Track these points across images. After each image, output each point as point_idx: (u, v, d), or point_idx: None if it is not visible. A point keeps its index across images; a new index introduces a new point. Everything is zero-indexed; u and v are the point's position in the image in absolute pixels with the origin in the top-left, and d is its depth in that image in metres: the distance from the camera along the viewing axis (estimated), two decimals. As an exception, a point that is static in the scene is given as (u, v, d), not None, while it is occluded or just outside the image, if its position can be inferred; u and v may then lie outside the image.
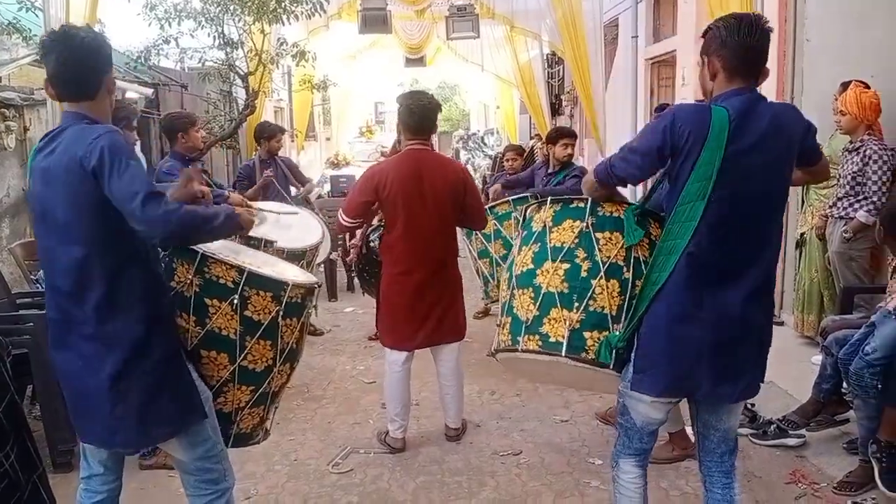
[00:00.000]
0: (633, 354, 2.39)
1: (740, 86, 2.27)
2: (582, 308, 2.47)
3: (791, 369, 4.48)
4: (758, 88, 2.32)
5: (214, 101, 9.36)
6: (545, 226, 2.62)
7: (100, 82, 2.25)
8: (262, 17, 7.40)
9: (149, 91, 8.65)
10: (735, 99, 2.24)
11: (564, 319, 2.48)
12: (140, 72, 8.37)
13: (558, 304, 2.50)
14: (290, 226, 5.08)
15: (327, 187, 10.04)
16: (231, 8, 7.39)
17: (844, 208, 4.57)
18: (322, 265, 6.79)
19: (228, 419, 2.56)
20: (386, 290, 3.92)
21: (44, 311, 2.45)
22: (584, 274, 2.48)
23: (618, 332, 2.42)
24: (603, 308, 2.46)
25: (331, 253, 6.66)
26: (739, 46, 2.24)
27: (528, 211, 2.79)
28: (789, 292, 5.37)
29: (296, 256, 4.96)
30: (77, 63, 2.20)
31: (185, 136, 4.81)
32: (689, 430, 3.53)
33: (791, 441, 3.79)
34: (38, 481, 2.70)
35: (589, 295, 2.46)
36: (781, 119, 2.28)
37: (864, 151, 4.47)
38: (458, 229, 4.05)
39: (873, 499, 3.23)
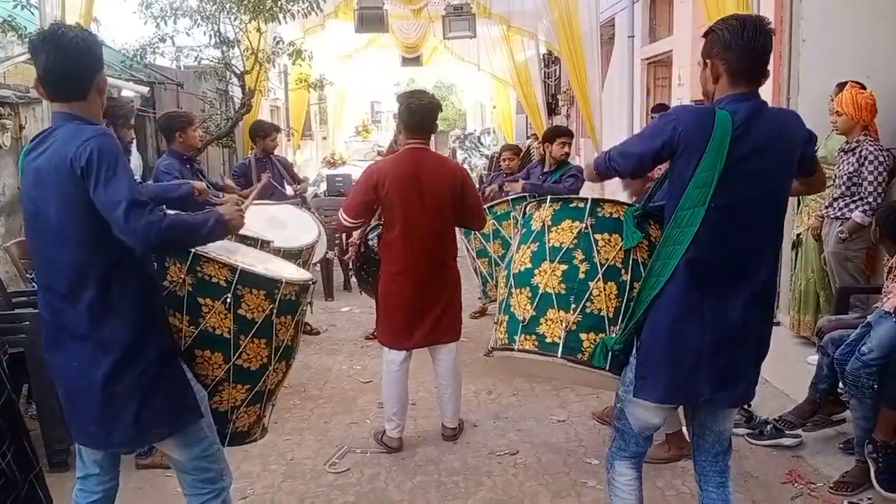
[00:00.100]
0: (632, 359, 2.39)
1: (744, 90, 2.25)
2: (579, 310, 2.46)
3: (787, 369, 4.49)
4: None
5: (211, 100, 9.35)
6: (544, 225, 2.61)
7: (90, 82, 2.23)
8: (258, 16, 7.39)
9: (145, 90, 8.63)
10: (739, 104, 2.22)
11: (561, 320, 2.48)
12: (136, 70, 8.35)
13: (555, 305, 2.50)
14: (286, 225, 5.07)
15: (323, 186, 10.02)
16: (227, 6, 7.38)
17: (840, 209, 4.58)
18: (318, 264, 6.78)
19: (225, 418, 2.55)
20: (384, 289, 3.92)
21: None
22: (581, 276, 2.48)
23: (614, 335, 2.42)
24: (600, 310, 2.45)
25: (327, 252, 6.65)
26: (743, 49, 2.21)
27: (528, 208, 2.78)
28: (785, 292, 5.38)
29: (292, 255, 4.94)
30: (67, 63, 2.17)
31: (183, 135, 4.82)
32: (685, 431, 3.53)
33: (787, 441, 3.80)
34: (34, 481, 2.70)
35: (586, 297, 2.46)
36: (784, 126, 2.28)
37: (860, 152, 4.48)
38: (456, 229, 4.05)
39: (869, 499, 3.24)
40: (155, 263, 2.38)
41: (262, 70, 8.19)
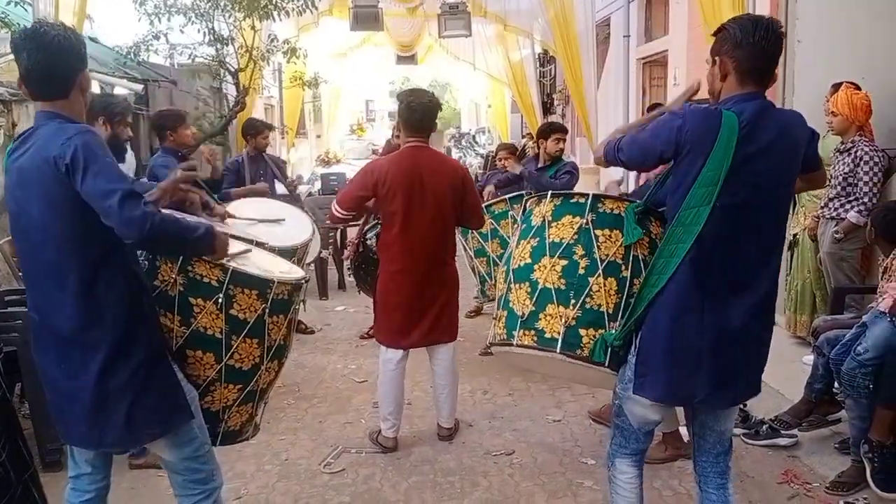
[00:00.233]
0: (631, 357, 2.38)
1: (751, 90, 2.24)
2: (578, 305, 2.46)
3: (783, 369, 4.49)
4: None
5: (205, 98, 9.32)
6: (544, 220, 2.60)
7: (73, 81, 2.20)
8: (252, 14, 7.38)
9: (138, 87, 8.58)
10: (746, 104, 2.21)
11: (560, 316, 2.47)
12: (130, 68, 8.31)
13: (555, 301, 2.49)
14: (285, 220, 5.05)
15: (318, 185, 10.00)
16: (221, 4, 7.36)
17: (835, 209, 4.59)
18: (312, 264, 6.76)
19: (216, 417, 2.54)
20: (383, 287, 3.90)
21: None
22: (581, 271, 2.47)
23: (614, 331, 2.42)
24: (600, 306, 2.45)
25: (321, 251, 6.63)
26: (753, 49, 2.21)
27: (528, 203, 2.78)
28: (781, 293, 5.37)
29: (285, 254, 4.92)
30: (49, 62, 2.15)
31: (175, 133, 4.79)
32: (683, 430, 3.53)
33: (783, 441, 3.80)
34: (29, 481, 2.67)
35: (586, 292, 2.45)
36: (789, 127, 2.27)
37: (856, 152, 4.49)
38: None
39: (865, 499, 3.24)
40: (146, 262, 2.36)
41: (257, 68, 8.18)
